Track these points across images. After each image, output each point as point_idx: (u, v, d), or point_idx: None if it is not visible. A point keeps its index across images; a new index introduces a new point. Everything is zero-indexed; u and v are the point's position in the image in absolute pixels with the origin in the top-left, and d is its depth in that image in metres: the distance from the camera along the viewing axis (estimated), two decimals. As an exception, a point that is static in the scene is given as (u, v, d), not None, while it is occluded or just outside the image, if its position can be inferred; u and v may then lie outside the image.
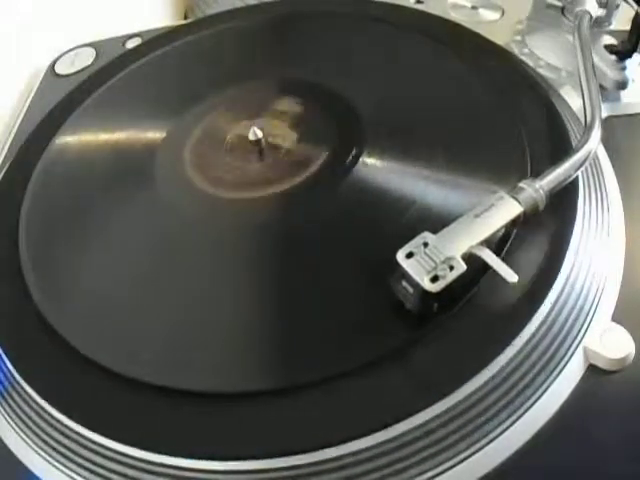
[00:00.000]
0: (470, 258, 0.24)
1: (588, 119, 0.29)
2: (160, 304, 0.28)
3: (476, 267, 0.24)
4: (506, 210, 0.25)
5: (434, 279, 0.23)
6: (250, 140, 0.33)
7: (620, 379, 0.24)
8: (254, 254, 0.29)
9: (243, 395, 0.24)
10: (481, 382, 0.23)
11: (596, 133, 0.28)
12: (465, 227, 0.25)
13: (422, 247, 0.24)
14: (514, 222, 0.26)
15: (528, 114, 0.32)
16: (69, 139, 0.37)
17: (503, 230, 0.26)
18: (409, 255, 0.24)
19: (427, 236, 0.25)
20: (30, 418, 0.26)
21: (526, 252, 0.26)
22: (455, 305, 0.25)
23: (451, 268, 0.24)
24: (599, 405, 0.24)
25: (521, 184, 0.26)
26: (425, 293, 0.23)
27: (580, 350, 0.25)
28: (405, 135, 0.32)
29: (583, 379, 0.25)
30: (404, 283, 0.24)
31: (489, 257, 0.24)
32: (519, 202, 0.26)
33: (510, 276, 0.23)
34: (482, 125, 0.32)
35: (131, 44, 0.46)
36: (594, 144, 0.28)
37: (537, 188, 0.26)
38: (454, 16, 0.43)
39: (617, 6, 0.38)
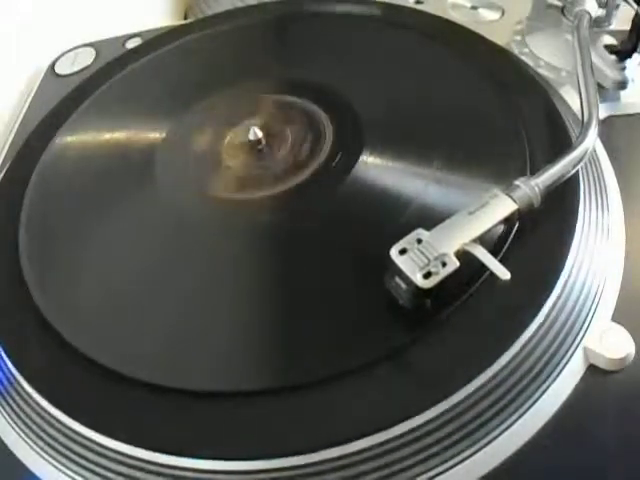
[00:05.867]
0: (464, 255, 0.24)
1: (585, 117, 0.29)
2: (161, 304, 0.28)
3: (474, 265, 0.24)
4: (500, 208, 0.25)
5: (427, 275, 0.23)
6: (250, 140, 0.33)
7: (620, 379, 0.24)
8: (253, 254, 0.29)
9: (243, 395, 0.24)
10: (481, 382, 0.23)
11: (593, 131, 0.28)
12: (459, 224, 0.25)
13: (415, 243, 0.24)
14: (508, 220, 0.26)
15: (528, 114, 0.32)
16: (69, 139, 0.37)
17: (502, 228, 0.26)
18: (402, 251, 0.24)
19: (421, 232, 0.25)
20: (30, 418, 0.26)
21: (526, 252, 0.26)
22: (456, 304, 0.25)
23: (444, 265, 0.24)
24: (599, 405, 0.24)
25: (516, 182, 0.26)
26: (418, 289, 0.23)
27: (580, 350, 0.25)
28: (405, 134, 0.32)
29: (583, 379, 0.25)
30: (397, 279, 0.24)
31: (482, 254, 0.24)
32: (514, 200, 0.26)
33: (502, 273, 0.23)
34: (482, 125, 0.32)
35: (131, 44, 0.46)
36: (591, 142, 0.28)
37: (532, 186, 0.26)
38: (454, 16, 0.43)
39: (617, 6, 0.38)
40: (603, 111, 0.34)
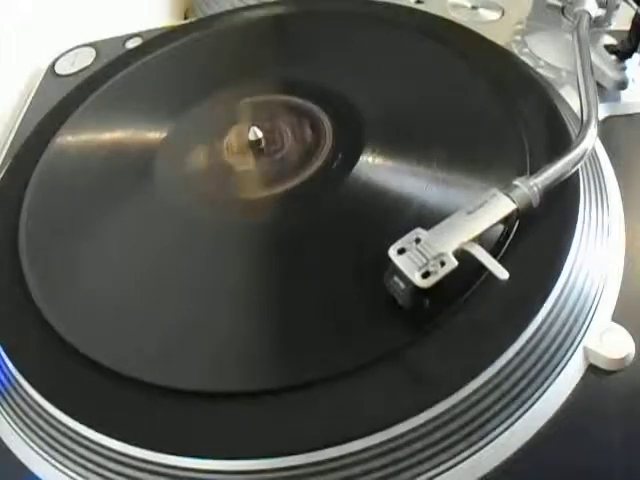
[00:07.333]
0: (463, 255, 0.24)
1: (585, 117, 0.29)
2: (160, 304, 0.28)
3: (472, 265, 0.24)
4: (499, 207, 0.25)
5: (425, 275, 0.23)
6: (250, 140, 0.33)
7: (620, 379, 0.24)
8: (253, 254, 0.29)
9: (243, 395, 0.24)
10: (481, 382, 0.23)
11: (592, 131, 0.28)
12: (457, 224, 0.25)
13: (414, 243, 0.24)
14: (507, 219, 0.26)
15: (528, 114, 0.32)
16: (69, 139, 0.37)
17: (501, 228, 0.26)
18: (401, 251, 0.24)
19: (419, 232, 0.25)
20: (30, 418, 0.26)
21: (525, 252, 0.26)
22: (455, 304, 0.25)
23: (442, 264, 0.24)
24: (599, 405, 0.24)
25: (515, 182, 0.26)
26: (416, 289, 0.23)
27: (580, 350, 0.25)
28: (405, 134, 0.32)
29: (583, 379, 0.25)
30: (396, 279, 0.24)
31: (480, 254, 0.24)
32: (512, 200, 0.26)
33: (501, 273, 0.23)
34: (482, 125, 0.32)
35: (131, 44, 0.46)
36: (590, 142, 0.28)
37: (531, 186, 0.26)
38: (454, 16, 0.43)
39: (617, 6, 0.38)
40: (603, 111, 0.34)
